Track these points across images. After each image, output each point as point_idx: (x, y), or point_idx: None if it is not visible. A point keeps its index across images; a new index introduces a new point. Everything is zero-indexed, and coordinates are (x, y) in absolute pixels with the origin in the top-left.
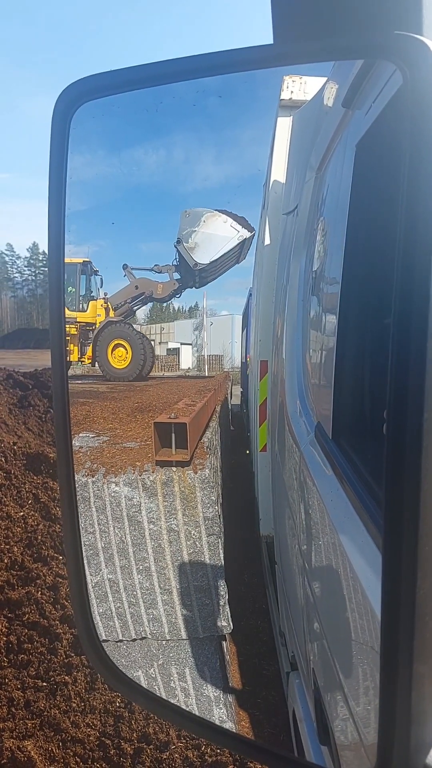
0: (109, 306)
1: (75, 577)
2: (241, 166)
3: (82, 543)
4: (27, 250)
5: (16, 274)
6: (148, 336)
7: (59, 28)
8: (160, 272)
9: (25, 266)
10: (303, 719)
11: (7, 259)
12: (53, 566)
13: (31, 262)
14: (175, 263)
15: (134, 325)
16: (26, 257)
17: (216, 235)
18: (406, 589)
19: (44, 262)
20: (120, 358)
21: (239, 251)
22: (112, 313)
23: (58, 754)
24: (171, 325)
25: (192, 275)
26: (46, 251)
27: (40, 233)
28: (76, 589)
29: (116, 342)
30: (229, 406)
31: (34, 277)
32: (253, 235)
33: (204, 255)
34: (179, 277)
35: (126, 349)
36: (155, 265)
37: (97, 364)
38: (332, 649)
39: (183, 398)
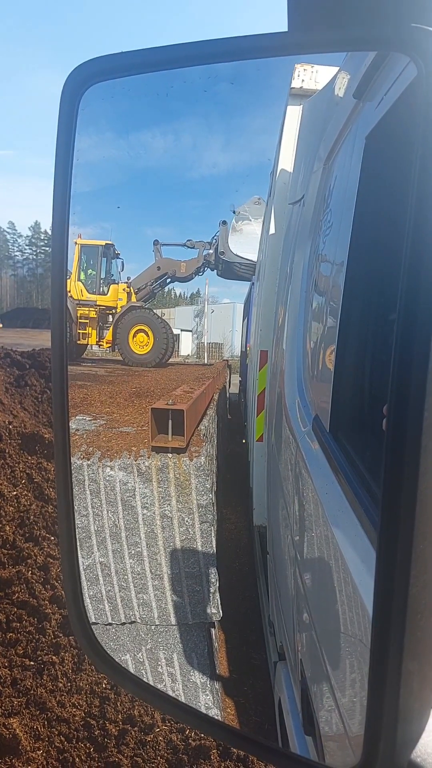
0: (132, 290)
1: (68, 559)
2: (250, 154)
3: (76, 525)
4: (29, 228)
5: (17, 253)
6: None
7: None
8: (192, 247)
9: (27, 245)
10: (289, 709)
11: (8, 237)
12: (44, 546)
13: (33, 240)
14: (212, 240)
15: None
16: (28, 236)
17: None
18: (399, 586)
19: (45, 242)
20: (141, 343)
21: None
22: (134, 297)
23: (43, 733)
24: (172, 311)
25: (218, 259)
26: (49, 231)
27: (43, 212)
28: (68, 571)
29: (138, 327)
30: (227, 395)
31: (35, 256)
32: None
33: (238, 246)
34: (208, 253)
35: (148, 335)
36: (188, 240)
37: (116, 349)
38: (321, 640)
39: (181, 385)
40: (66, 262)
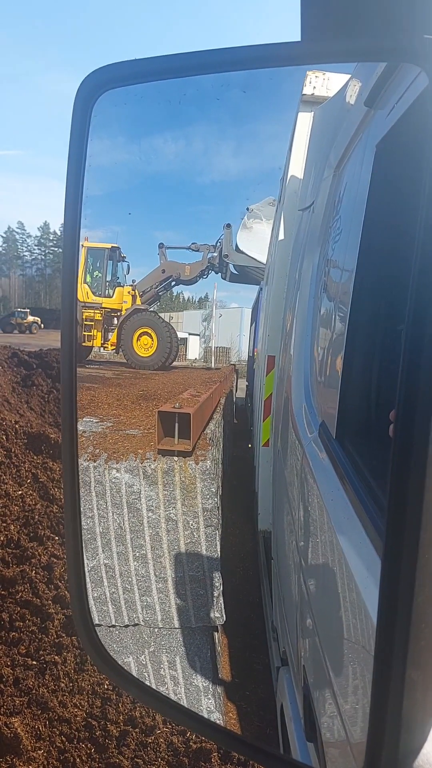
0: (136, 293)
1: (74, 560)
2: (260, 160)
3: (82, 527)
4: (38, 228)
5: (26, 253)
6: None
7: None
8: (197, 250)
9: (35, 245)
10: (291, 715)
11: (17, 237)
12: (49, 546)
13: (42, 241)
14: (216, 244)
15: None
16: (36, 236)
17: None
18: (403, 594)
19: (54, 242)
20: (145, 346)
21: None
22: (138, 300)
23: (45, 732)
24: (180, 315)
25: (222, 262)
26: (58, 232)
27: (52, 212)
28: (74, 572)
29: (142, 330)
30: (234, 399)
31: (43, 257)
32: None
33: (246, 244)
34: (212, 256)
35: (152, 338)
36: (192, 243)
37: (120, 351)
38: (324, 646)
39: (188, 388)
40: (77, 266)
